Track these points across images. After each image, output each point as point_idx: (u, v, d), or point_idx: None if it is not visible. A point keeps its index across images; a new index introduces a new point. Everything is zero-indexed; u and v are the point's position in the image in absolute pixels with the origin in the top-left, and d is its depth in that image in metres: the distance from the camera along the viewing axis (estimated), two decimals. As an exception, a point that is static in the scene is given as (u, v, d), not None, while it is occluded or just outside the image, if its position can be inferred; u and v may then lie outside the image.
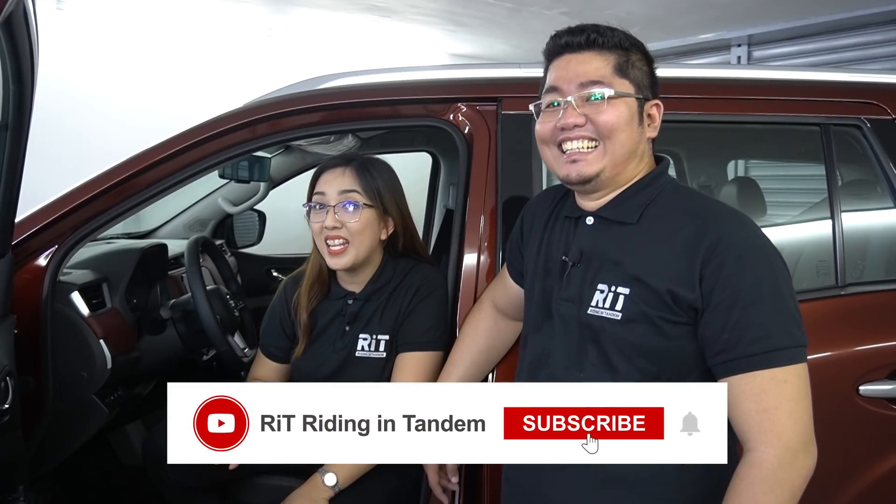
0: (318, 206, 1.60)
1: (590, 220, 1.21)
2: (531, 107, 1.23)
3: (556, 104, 1.18)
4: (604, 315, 1.14)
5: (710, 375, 1.11)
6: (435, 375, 1.56)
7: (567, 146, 1.16)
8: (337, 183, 1.59)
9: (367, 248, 1.61)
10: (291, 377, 1.71)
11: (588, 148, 1.15)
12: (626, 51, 1.18)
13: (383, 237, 1.64)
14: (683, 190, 1.23)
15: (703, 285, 1.08)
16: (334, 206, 1.58)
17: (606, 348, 1.14)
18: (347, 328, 1.65)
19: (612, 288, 1.14)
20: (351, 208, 1.57)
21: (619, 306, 1.13)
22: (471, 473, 1.51)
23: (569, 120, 1.15)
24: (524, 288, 1.33)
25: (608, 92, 1.14)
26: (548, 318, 1.22)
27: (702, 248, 1.08)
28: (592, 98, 1.14)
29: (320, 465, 1.51)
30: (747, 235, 1.11)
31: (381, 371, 1.61)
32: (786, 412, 1.04)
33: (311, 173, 1.59)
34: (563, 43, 1.19)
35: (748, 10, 4.12)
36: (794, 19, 4.26)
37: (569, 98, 1.15)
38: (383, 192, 1.61)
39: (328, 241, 1.58)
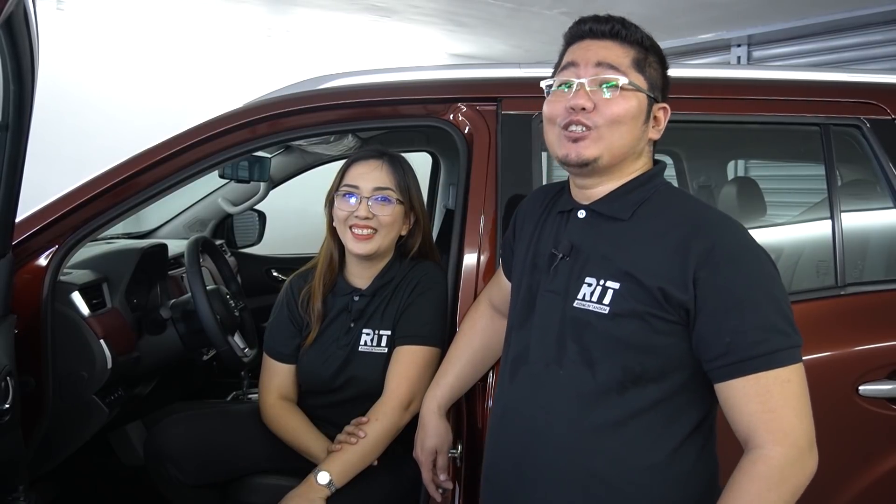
0: (347, 196, 1.61)
1: (581, 214, 1.22)
2: (542, 84, 1.23)
3: (567, 87, 1.17)
4: (590, 308, 1.14)
5: (696, 377, 1.11)
6: (430, 371, 1.56)
7: (572, 127, 1.16)
8: (372, 177, 1.61)
9: (391, 240, 1.65)
10: (297, 374, 1.71)
11: (591, 132, 1.15)
12: (646, 49, 1.19)
13: (403, 233, 1.67)
14: (677, 193, 1.24)
15: (697, 288, 1.08)
16: (368, 199, 1.60)
17: (589, 344, 1.13)
18: (352, 325, 1.66)
19: (601, 282, 1.14)
20: (385, 202, 1.61)
21: (606, 300, 1.12)
22: (470, 473, 1.51)
23: (579, 101, 1.14)
24: (513, 284, 1.33)
25: (622, 80, 1.14)
26: (530, 314, 1.22)
27: (695, 251, 1.09)
28: (606, 85, 1.15)
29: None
30: (740, 240, 1.12)
31: (383, 366, 1.61)
32: (792, 411, 1.05)
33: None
34: (588, 29, 1.19)
35: (748, 11, 4.11)
36: (794, 19, 4.26)
37: (582, 80, 1.15)
38: (411, 190, 1.66)
39: (354, 228, 1.60)
